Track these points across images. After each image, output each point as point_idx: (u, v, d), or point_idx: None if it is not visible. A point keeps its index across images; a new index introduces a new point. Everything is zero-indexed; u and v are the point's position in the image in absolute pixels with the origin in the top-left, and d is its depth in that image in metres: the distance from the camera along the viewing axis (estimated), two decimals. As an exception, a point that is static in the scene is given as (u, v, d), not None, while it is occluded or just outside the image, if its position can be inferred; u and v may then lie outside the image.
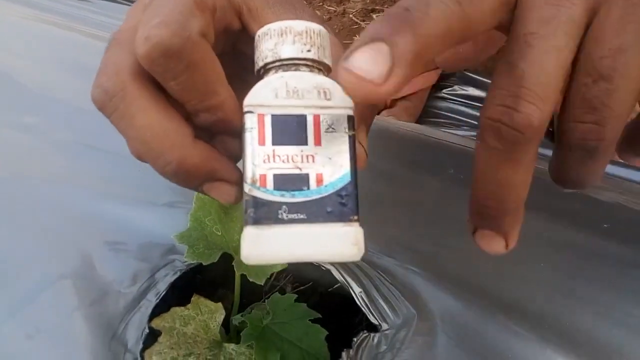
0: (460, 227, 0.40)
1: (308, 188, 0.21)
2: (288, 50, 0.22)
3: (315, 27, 0.23)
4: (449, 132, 0.50)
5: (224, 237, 0.36)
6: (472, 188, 0.22)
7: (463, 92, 0.90)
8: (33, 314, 0.37)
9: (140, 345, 0.35)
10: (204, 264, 0.34)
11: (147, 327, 0.35)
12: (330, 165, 0.21)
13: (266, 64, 0.23)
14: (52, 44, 0.62)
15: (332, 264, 0.38)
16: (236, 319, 0.36)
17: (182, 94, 0.22)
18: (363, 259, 0.38)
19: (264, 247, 0.20)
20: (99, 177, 0.46)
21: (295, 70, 0.22)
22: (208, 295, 0.36)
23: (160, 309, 0.36)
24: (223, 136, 0.25)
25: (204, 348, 0.33)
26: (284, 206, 0.20)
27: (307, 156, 0.21)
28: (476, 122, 0.88)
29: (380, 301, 0.36)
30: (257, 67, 0.23)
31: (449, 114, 0.90)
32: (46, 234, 0.42)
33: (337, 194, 0.21)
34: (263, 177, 0.21)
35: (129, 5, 0.68)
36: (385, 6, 1.39)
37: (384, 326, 0.35)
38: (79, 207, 0.43)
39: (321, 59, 0.23)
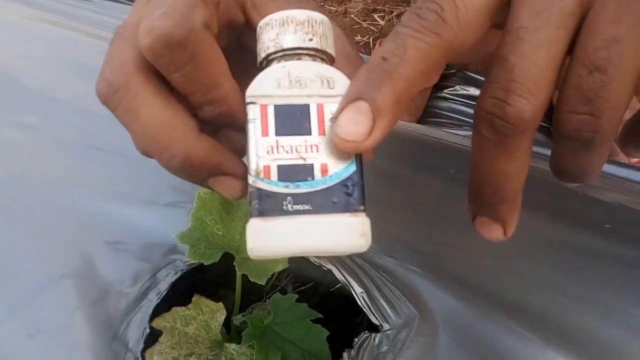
0: (461, 227, 0.40)
1: (313, 178, 0.20)
2: (290, 40, 0.22)
3: (318, 16, 0.23)
4: (450, 132, 0.50)
5: (225, 236, 0.36)
6: (469, 176, 0.22)
7: (464, 92, 0.89)
8: (34, 314, 0.37)
9: (142, 345, 0.35)
10: (205, 264, 0.34)
11: (148, 327, 0.35)
12: (334, 155, 0.21)
13: (268, 55, 0.22)
14: (53, 44, 0.62)
15: (337, 257, 0.38)
16: (237, 319, 0.36)
17: (185, 86, 0.22)
18: (364, 259, 0.38)
19: (269, 239, 0.20)
20: (100, 176, 0.46)
21: (298, 59, 0.22)
22: (209, 295, 0.36)
23: (161, 308, 0.36)
24: (227, 130, 0.25)
25: (205, 348, 0.33)
26: (289, 197, 0.20)
27: (311, 146, 0.21)
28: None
29: (382, 301, 0.36)
30: (259, 59, 0.23)
31: (450, 114, 0.90)
32: (47, 234, 0.42)
33: (343, 183, 0.20)
34: (267, 168, 0.20)
35: (130, 5, 0.68)
36: (387, 6, 1.39)
37: (385, 326, 0.35)
38: (80, 206, 0.43)
39: (324, 48, 0.22)
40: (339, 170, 0.21)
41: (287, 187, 0.20)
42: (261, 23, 0.23)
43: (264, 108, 0.21)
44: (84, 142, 0.49)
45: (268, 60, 0.23)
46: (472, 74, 0.90)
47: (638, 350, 0.33)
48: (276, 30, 0.22)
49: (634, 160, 0.79)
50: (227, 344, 0.34)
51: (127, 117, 0.23)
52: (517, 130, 0.19)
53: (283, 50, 0.22)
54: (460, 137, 0.49)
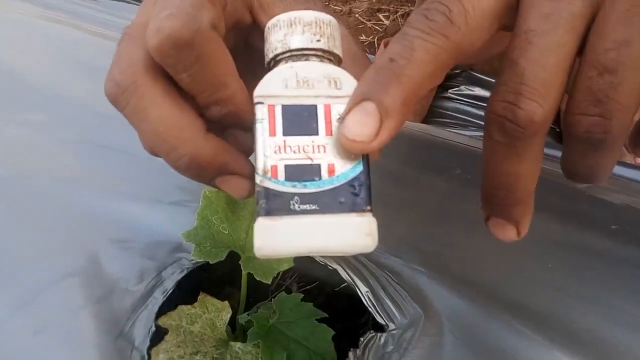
0: (466, 227, 0.40)
1: (320, 178, 0.20)
2: (297, 41, 0.22)
3: (325, 17, 0.23)
4: (455, 132, 0.50)
5: (231, 235, 0.36)
6: (482, 177, 0.22)
7: (469, 92, 0.89)
8: (40, 311, 0.37)
9: (147, 343, 0.35)
10: (210, 262, 0.34)
11: (154, 325, 0.36)
12: (341, 156, 0.21)
13: (276, 55, 0.23)
14: (58, 42, 0.62)
15: (342, 257, 0.38)
16: (242, 318, 0.36)
17: (193, 86, 0.22)
18: (370, 258, 0.38)
19: (276, 238, 0.20)
20: (106, 175, 0.46)
21: (306, 60, 0.22)
22: (215, 294, 0.36)
23: (167, 307, 0.36)
24: (234, 130, 0.25)
25: (211, 346, 0.33)
26: (296, 197, 0.20)
27: (319, 146, 0.21)
28: (483, 123, 0.88)
29: (387, 301, 0.36)
30: (267, 59, 0.23)
31: (455, 114, 0.90)
32: (53, 232, 0.42)
33: (350, 184, 0.21)
34: (274, 168, 0.20)
35: (136, 4, 0.68)
36: (392, 6, 1.38)
37: (391, 326, 0.35)
38: (86, 205, 0.44)
39: (331, 48, 0.23)
40: (346, 170, 0.21)
41: (294, 186, 0.20)
42: (269, 24, 0.23)
43: (271, 108, 0.21)
44: (89, 141, 0.50)
45: (276, 61, 0.23)
46: (477, 74, 0.90)
47: (644, 351, 0.33)
48: (284, 31, 0.22)
49: (641, 161, 0.78)
50: (232, 343, 0.34)
51: (136, 117, 0.23)
52: (527, 133, 0.19)
53: (291, 50, 0.22)
54: (466, 137, 0.49)
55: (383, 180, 0.43)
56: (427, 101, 0.90)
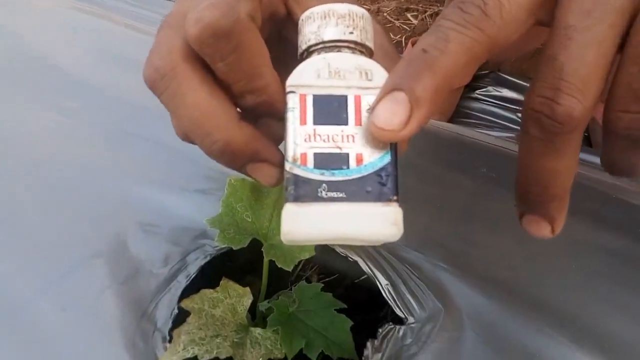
0: (490, 226, 0.40)
1: (348, 167, 0.21)
2: (331, 33, 0.22)
3: (358, 10, 0.23)
4: (481, 132, 0.50)
5: (254, 223, 0.37)
6: (517, 174, 0.22)
7: (497, 93, 0.88)
8: (68, 289, 0.38)
9: (170, 325, 0.36)
10: (233, 248, 0.34)
11: (176, 308, 0.36)
12: (370, 146, 0.21)
13: (309, 47, 0.23)
14: (90, 33, 0.64)
15: (363, 249, 0.38)
16: (263, 306, 0.36)
17: (229, 75, 0.23)
18: (391, 252, 0.38)
19: (303, 224, 0.20)
20: (134, 162, 0.47)
21: (338, 52, 0.22)
22: (236, 282, 0.37)
23: (189, 291, 0.37)
24: (266, 119, 0.25)
25: (231, 331, 0.34)
26: (324, 184, 0.21)
27: (348, 136, 0.21)
28: (509, 124, 0.86)
29: (407, 295, 0.36)
30: (300, 50, 0.24)
31: (480, 115, 0.89)
32: (82, 215, 0.43)
33: (377, 173, 0.21)
34: (304, 156, 0.21)
35: (167, -2, 0.69)
36: (420, 5, 1.37)
37: (410, 319, 0.35)
38: (115, 189, 0.45)
39: (363, 41, 0.23)
40: (374, 160, 0.21)
41: (322, 174, 0.21)
42: (303, 16, 0.24)
43: (303, 97, 0.22)
44: (119, 129, 0.51)
45: (309, 52, 0.23)
46: (505, 76, 0.89)
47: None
48: (318, 23, 0.23)
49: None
50: (252, 328, 0.35)
51: (173, 103, 0.23)
52: (565, 129, 0.19)
53: (324, 42, 0.23)
54: (492, 137, 0.49)
55: (408, 176, 0.43)
56: (454, 101, 0.89)
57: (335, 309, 0.36)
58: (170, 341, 0.34)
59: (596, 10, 0.19)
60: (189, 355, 0.32)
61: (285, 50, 0.28)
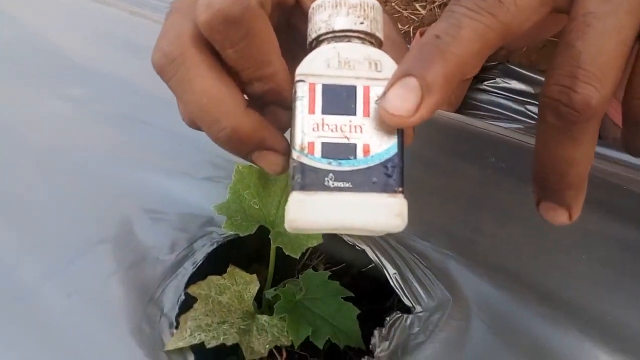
0: (498, 215, 0.40)
1: (355, 157, 0.21)
2: (341, 22, 0.22)
3: (369, 0, 0.23)
4: (489, 123, 0.50)
5: (262, 210, 0.37)
6: (533, 162, 0.22)
7: (505, 85, 0.88)
8: (74, 275, 0.38)
9: (176, 311, 0.36)
10: (241, 235, 0.34)
11: (183, 294, 0.36)
12: (377, 137, 0.21)
13: (319, 36, 0.23)
14: (97, 20, 0.64)
15: (371, 238, 0.38)
16: (269, 293, 0.36)
17: (238, 62, 0.23)
18: (398, 241, 0.38)
19: (308, 212, 0.20)
20: (143, 149, 0.47)
21: (348, 41, 0.22)
22: (242, 270, 0.37)
23: (196, 277, 0.37)
24: (273, 107, 0.25)
25: (238, 318, 0.34)
26: (331, 174, 0.21)
27: (355, 126, 0.21)
28: (517, 116, 0.86)
29: (415, 284, 0.36)
30: (309, 39, 0.24)
31: (488, 107, 0.89)
32: (89, 200, 0.43)
33: (383, 165, 0.21)
34: (311, 145, 0.21)
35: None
36: (429, -5, 1.36)
37: (418, 308, 0.35)
38: (121, 176, 0.45)
39: (373, 31, 0.23)
40: (381, 151, 0.21)
41: (329, 164, 0.21)
42: (314, 4, 0.23)
43: (312, 86, 0.22)
44: (127, 116, 0.51)
45: (319, 41, 0.23)
46: (513, 67, 0.88)
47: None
48: (328, 12, 0.23)
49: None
50: (259, 315, 0.35)
51: (181, 88, 0.23)
52: (583, 117, 0.19)
53: (334, 31, 0.23)
54: (501, 127, 0.49)
55: (416, 166, 0.43)
56: (462, 92, 0.88)
57: (342, 297, 0.36)
58: (177, 327, 0.34)
59: None
60: (195, 341, 0.32)
61: (294, 39, 0.28)
